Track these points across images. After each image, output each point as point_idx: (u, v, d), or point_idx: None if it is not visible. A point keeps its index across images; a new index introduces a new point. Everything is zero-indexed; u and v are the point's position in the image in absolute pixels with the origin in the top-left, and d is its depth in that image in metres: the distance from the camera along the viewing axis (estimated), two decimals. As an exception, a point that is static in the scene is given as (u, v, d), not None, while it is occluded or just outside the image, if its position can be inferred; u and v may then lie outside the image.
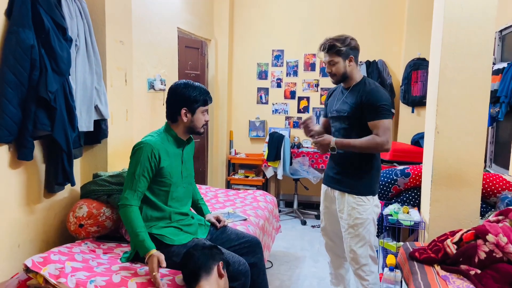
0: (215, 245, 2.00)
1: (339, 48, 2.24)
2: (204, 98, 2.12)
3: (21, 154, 2.03)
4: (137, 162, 2.00)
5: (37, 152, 2.21)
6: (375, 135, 2.20)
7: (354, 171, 2.32)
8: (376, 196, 2.36)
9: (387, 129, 2.20)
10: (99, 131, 2.59)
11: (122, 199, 1.99)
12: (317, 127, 2.48)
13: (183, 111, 2.09)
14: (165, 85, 3.76)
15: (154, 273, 1.82)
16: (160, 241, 2.02)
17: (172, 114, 2.12)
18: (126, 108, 2.92)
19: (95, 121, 2.51)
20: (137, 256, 2.04)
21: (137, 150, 2.02)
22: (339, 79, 2.34)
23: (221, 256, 1.88)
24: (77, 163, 2.55)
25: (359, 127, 2.27)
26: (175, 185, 2.12)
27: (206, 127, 2.18)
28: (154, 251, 1.89)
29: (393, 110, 4.81)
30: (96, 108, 2.51)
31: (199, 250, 1.86)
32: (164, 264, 1.88)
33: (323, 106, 4.82)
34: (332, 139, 2.24)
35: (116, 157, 2.78)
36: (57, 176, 2.24)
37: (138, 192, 1.99)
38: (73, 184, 2.34)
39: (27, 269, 1.85)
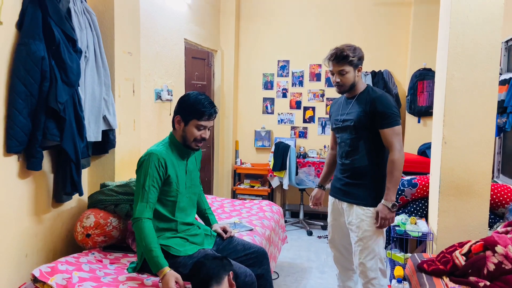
0: (225, 256, 1.98)
1: (352, 58, 2.21)
2: (200, 111, 2.01)
3: (30, 164, 2.05)
4: (145, 173, 1.97)
5: (46, 162, 2.23)
6: (390, 160, 2.18)
7: (362, 182, 2.28)
8: None
9: (398, 135, 2.20)
10: (107, 141, 2.61)
11: (135, 213, 1.95)
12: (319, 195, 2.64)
13: (176, 118, 2.08)
14: (172, 95, 3.78)
15: None
16: (167, 252, 1.99)
17: (172, 120, 2.12)
18: (133, 118, 2.95)
19: (102, 131, 2.53)
20: (143, 267, 2.04)
21: (144, 162, 2.00)
22: (346, 90, 2.29)
23: (231, 267, 1.87)
24: (84, 173, 2.58)
25: (366, 136, 2.26)
26: (181, 195, 2.11)
27: (202, 144, 2.11)
28: (167, 269, 1.86)
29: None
30: (104, 118, 2.53)
31: (211, 260, 1.85)
32: (182, 283, 1.85)
33: (328, 116, 4.81)
34: (381, 207, 2.18)
35: (123, 167, 2.79)
36: (65, 186, 2.26)
37: (150, 204, 1.96)
38: (81, 194, 2.35)
39: (34, 279, 1.86)
